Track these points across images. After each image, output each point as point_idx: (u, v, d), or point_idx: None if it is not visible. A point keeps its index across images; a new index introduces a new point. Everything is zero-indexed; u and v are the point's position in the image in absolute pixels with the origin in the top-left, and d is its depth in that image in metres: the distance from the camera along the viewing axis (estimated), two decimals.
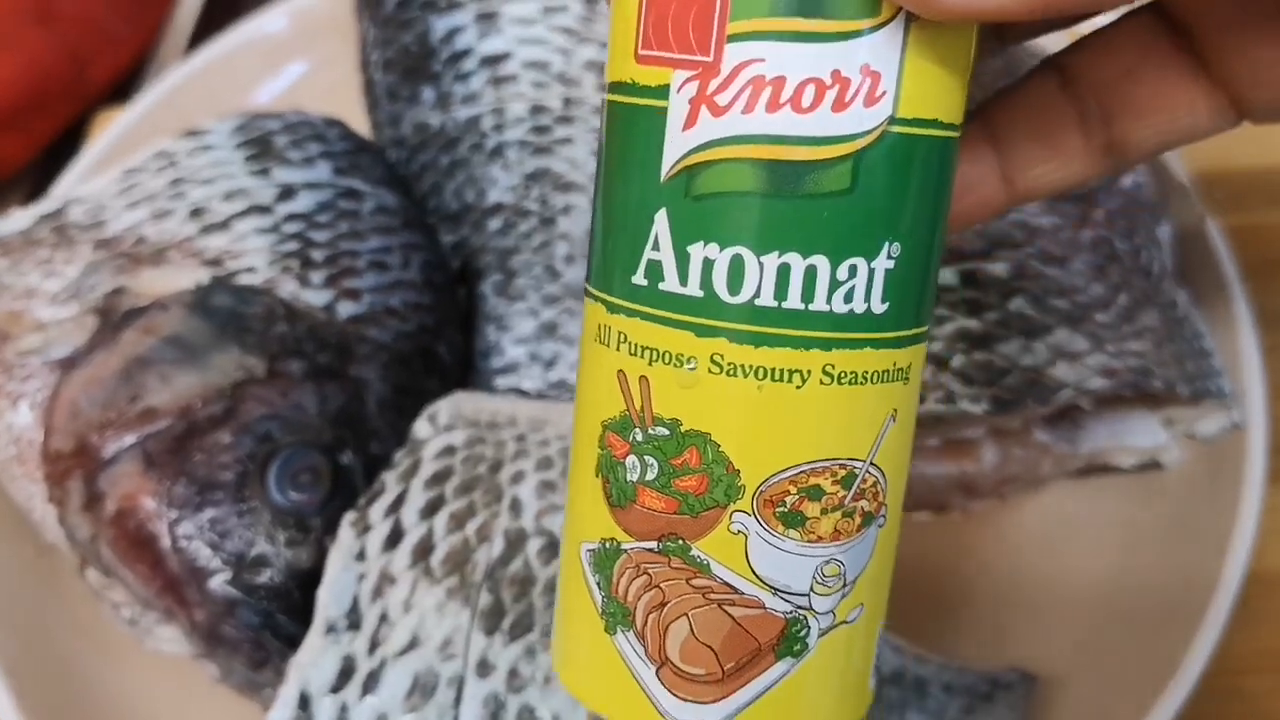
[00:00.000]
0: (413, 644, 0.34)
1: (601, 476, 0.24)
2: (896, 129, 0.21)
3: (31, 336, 0.39)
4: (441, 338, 0.43)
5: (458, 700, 0.33)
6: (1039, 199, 0.26)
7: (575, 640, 0.25)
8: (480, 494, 0.36)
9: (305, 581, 0.36)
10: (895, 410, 0.23)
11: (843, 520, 0.23)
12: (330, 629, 0.34)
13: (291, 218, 0.42)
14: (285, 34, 0.56)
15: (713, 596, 0.23)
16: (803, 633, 0.23)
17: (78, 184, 0.49)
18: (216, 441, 0.36)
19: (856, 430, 0.23)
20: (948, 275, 0.38)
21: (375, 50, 0.50)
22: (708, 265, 0.22)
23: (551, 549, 0.35)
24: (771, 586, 0.23)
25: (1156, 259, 0.39)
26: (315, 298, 0.40)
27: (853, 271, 0.22)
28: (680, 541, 0.23)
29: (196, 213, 0.42)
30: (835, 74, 0.21)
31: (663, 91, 0.22)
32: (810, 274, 0.21)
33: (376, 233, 0.43)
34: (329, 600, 0.34)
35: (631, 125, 0.22)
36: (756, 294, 0.22)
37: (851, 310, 0.22)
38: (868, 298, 0.22)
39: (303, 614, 0.35)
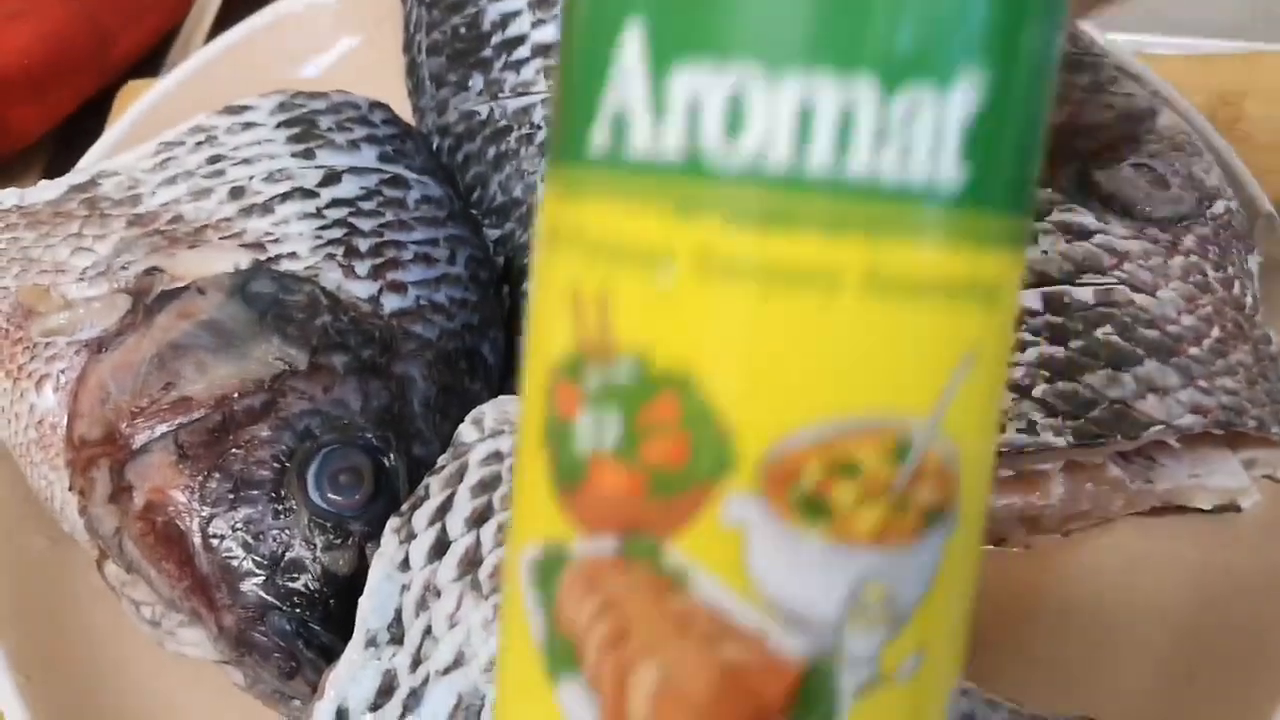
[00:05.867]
0: (457, 662, 0.31)
1: (548, 448, 0.16)
2: None
3: (59, 315, 0.37)
4: (485, 337, 0.41)
5: None
6: None
7: (510, 690, 0.18)
8: None
9: (341, 589, 0.34)
10: (975, 348, 0.15)
11: (892, 514, 0.15)
12: (371, 642, 0.32)
13: (336, 203, 0.40)
14: (325, 10, 0.54)
15: (693, 627, 0.15)
16: (828, 688, 0.15)
17: (104, 158, 0.47)
18: (254, 436, 0.34)
19: (914, 372, 0.15)
20: (1029, 299, 0.36)
21: (422, 32, 0.48)
22: (695, 104, 0.14)
23: None
24: (782, 612, 0.15)
25: (1249, 291, 0.37)
26: (360, 289, 0.38)
27: (914, 109, 0.14)
28: (648, 539, 0.15)
29: (236, 192, 0.39)
30: None
31: None
32: (848, 110, 0.14)
33: (422, 223, 0.41)
34: (370, 611, 0.32)
35: None
36: (767, 144, 0.14)
37: (908, 177, 0.14)
38: (936, 155, 0.14)
39: (338, 624, 0.33)
